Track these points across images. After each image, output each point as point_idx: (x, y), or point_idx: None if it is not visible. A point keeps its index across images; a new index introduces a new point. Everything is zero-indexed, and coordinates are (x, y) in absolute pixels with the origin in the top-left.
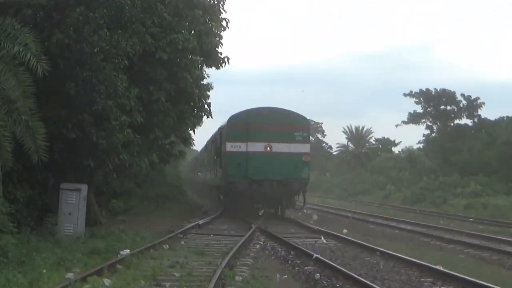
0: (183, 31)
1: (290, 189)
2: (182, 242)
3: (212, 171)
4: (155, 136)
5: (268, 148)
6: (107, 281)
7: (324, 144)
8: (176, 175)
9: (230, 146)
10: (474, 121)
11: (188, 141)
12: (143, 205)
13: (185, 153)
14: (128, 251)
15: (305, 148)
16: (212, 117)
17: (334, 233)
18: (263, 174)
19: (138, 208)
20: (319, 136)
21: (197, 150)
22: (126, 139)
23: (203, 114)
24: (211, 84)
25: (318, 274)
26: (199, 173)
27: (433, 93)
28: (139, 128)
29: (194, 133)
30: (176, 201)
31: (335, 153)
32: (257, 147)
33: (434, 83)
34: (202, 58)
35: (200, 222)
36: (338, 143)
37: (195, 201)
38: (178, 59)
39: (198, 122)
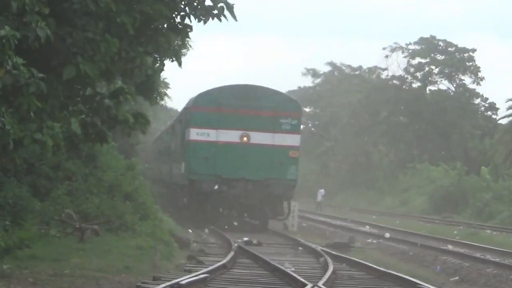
0: None
1: (271, 192)
2: None
3: (177, 164)
4: (76, 73)
5: (245, 138)
6: None
7: (477, 101)
8: (129, 168)
9: (195, 134)
10: None
11: (152, 90)
12: (48, 238)
13: (146, 122)
14: None
15: (293, 140)
16: (235, 18)
17: None
18: (237, 171)
19: (38, 245)
20: (466, 80)
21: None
22: (11, 78)
23: (203, 15)
24: None
25: None
26: (164, 167)
27: None
28: (41, 54)
29: (180, 64)
30: (127, 228)
31: (502, 121)
32: (230, 136)
33: None
34: None
35: (183, 279)
36: None
37: (170, 227)
38: None
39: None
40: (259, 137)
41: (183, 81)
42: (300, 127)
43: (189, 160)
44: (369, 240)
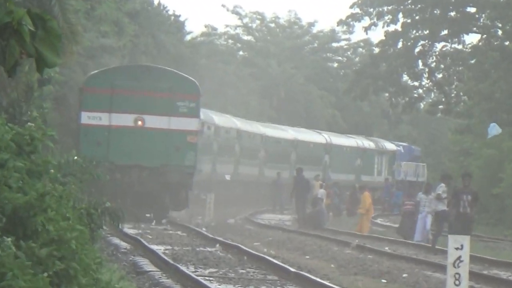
0: None
1: (168, 180)
2: None
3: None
4: None
5: (139, 122)
6: None
7: None
8: (20, 147)
9: (87, 117)
10: None
11: None
12: None
13: (55, 35)
14: None
15: (191, 124)
16: None
17: None
18: (131, 158)
19: None
20: None
21: None
22: None
23: None
24: None
25: None
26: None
27: None
28: None
29: None
30: None
31: None
32: (124, 120)
33: None
34: None
35: None
36: None
37: None
38: None
39: None
40: (154, 121)
41: None
42: (199, 110)
43: (80, 146)
44: None
